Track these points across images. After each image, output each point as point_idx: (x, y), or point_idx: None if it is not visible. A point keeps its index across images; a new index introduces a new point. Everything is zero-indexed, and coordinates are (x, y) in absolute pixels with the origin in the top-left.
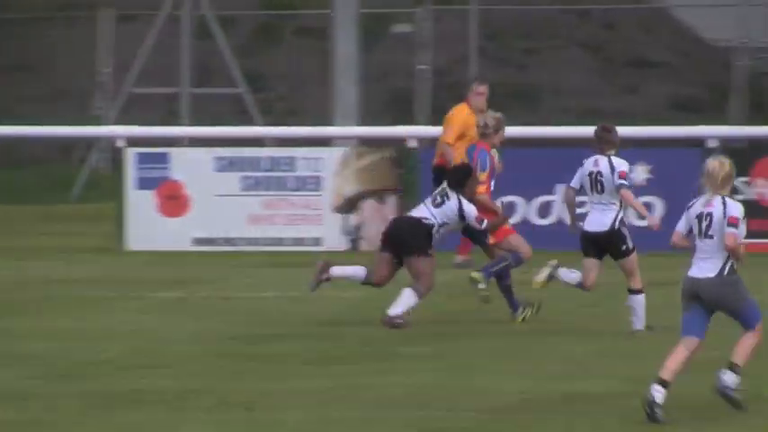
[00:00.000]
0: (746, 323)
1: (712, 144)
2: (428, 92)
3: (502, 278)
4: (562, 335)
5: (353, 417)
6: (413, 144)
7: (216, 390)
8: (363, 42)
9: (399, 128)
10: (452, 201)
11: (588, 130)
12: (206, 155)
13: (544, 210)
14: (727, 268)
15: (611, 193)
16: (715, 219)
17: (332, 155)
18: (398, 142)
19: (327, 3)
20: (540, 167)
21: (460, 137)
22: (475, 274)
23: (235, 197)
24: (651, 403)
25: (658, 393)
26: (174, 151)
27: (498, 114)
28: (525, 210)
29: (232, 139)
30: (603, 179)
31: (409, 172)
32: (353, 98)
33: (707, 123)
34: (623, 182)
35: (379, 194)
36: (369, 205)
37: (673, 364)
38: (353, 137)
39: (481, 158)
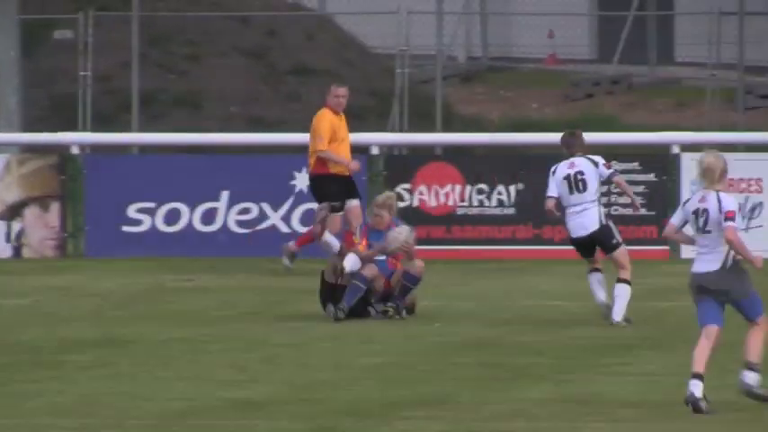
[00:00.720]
0: (749, 316)
1: (375, 151)
2: (90, 98)
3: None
4: (229, 341)
5: (17, 425)
6: (75, 151)
7: None
8: (24, 48)
9: (62, 134)
10: None
11: (250, 138)
12: None
13: (208, 216)
14: (729, 260)
15: (594, 190)
16: (711, 214)
17: None
18: (61, 149)
19: None
20: (204, 174)
21: (331, 140)
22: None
23: None
24: (694, 399)
25: (697, 387)
26: None
27: (386, 197)
28: (189, 217)
29: None
30: (586, 176)
31: (72, 179)
32: (15, 105)
33: (371, 131)
34: (613, 170)
35: (41, 201)
36: (31, 212)
37: (701, 356)
38: (16, 143)
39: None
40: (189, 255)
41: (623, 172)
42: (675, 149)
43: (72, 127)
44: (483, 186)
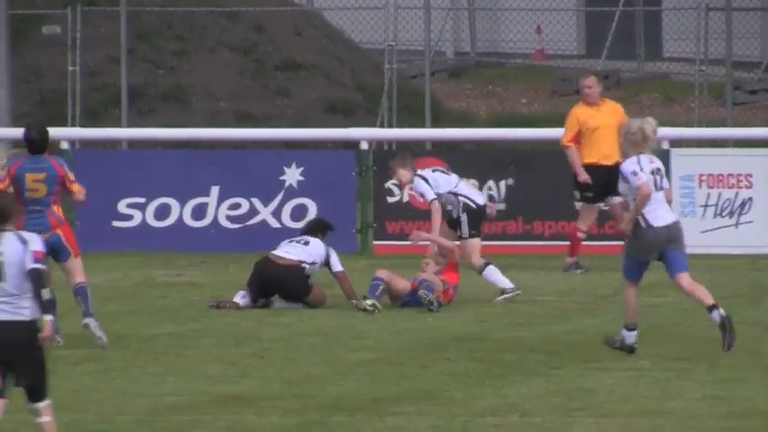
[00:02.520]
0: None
1: (365, 146)
2: (80, 94)
3: None
4: (219, 336)
5: (7, 419)
6: (65, 146)
7: None
8: (13, 43)
9: (52, 129)
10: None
11: (239, 133)
12: None
13: (198, 212)
14: None
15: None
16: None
17: None
18: (51, 144)
19: None
20: (195, 170)
21: (581, 132)
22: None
23: None
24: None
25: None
26: None
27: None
28: (179, 212)
29: None
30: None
31: None
32: (4, 100)
33: (358, 125)
34: None
35: None
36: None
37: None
38: (5, 139)
39: None
40: (179, 250)
41: None
42: (665, 145)
43: (60, 122)
44: (473, 181)
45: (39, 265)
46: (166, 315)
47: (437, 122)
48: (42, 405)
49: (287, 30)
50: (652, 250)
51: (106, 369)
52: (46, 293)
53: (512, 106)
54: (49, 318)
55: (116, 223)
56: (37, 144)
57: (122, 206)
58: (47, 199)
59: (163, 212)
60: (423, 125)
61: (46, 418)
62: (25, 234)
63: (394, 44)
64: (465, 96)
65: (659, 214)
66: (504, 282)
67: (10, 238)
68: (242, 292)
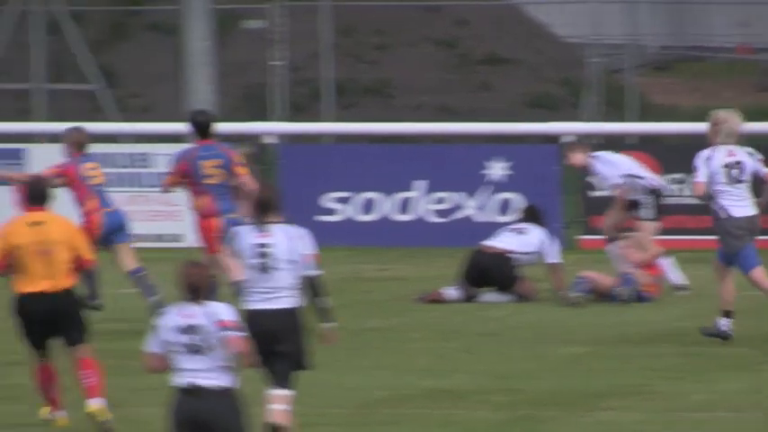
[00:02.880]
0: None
1: (568, 140)
2: (283, 88)
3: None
4: (427, 330)
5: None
6: (271, 140)
7: None
8: (215, 38)
9: (256, 124)
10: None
11: (443, 127)
12: (62, 151)
13: (403, 206)
14: None
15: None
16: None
17: None
18: (255, 138)
19: None
20: (399, 163)
21: None
22: None
23: None
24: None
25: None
26: (30, 147)
27: None
28: (385, 205)
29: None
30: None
31: (267, 168)
32: (208, 94)
33: (561, 120)
34: None
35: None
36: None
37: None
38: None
39: None
40: (384, 244)
41: None
42: None
43: (263, 117)
44: (679, 176)
45: (315, 272)
46: (373, 309)
47: (644, 117)
48: (285, 393)
49: (489, 23)
50: (742, 236)
51: (321, 363)
52: (325, 302)
53: (716, 100)
54: (329, 325)
55: (320, 217)
56: (206, 126)
57: (327, 200)
58: (226, 183)
59: (368, 207)
60: (626, 119)
61: (282, 407)
62: (299, 230)
63: (597, 38)
64: (668, 90)
65: (738, 205)
66: (680, 277)
67: (280, 231)
68: (453, 287)
